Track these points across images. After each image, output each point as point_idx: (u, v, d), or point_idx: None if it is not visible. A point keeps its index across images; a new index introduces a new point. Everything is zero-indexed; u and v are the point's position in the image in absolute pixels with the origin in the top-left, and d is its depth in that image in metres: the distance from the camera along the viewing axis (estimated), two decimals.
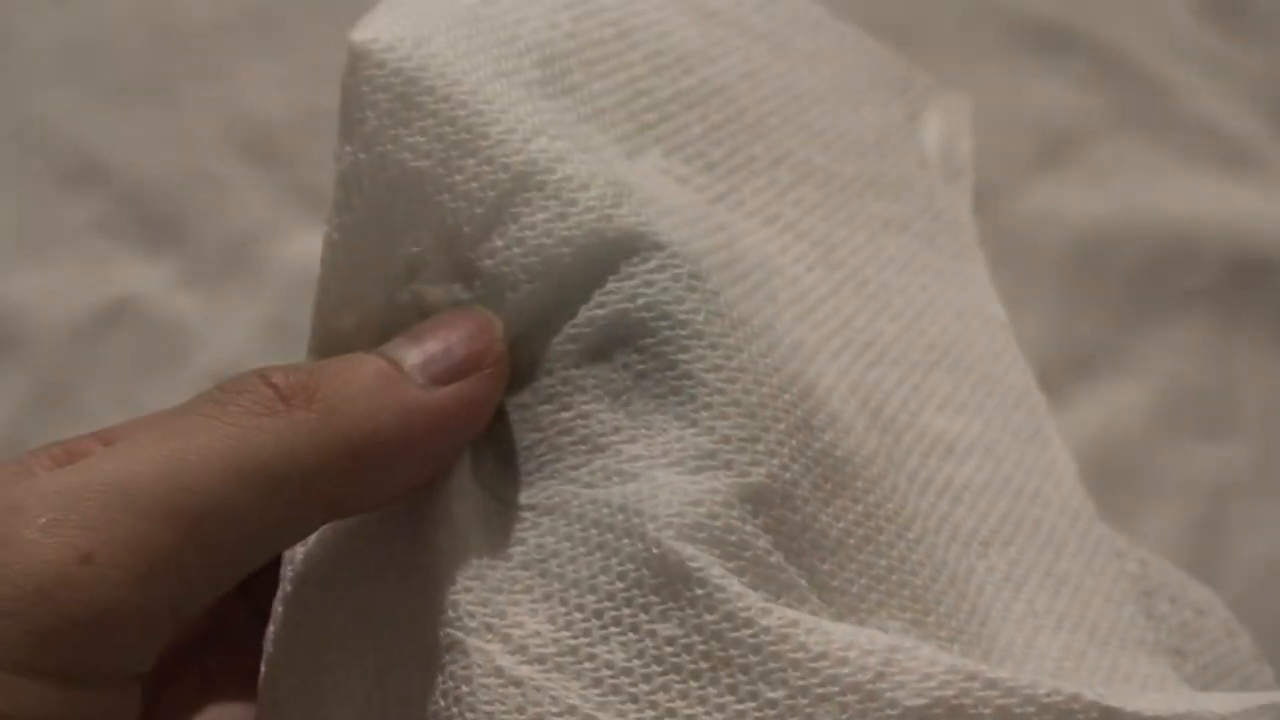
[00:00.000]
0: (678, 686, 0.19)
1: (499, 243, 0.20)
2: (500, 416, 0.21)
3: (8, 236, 0.34)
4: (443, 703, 0.19)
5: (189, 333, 0.33)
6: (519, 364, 0.21)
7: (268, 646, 0.21)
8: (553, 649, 0.19)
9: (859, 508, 0.20)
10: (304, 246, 0.34)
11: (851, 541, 0.20)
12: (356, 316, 0.21)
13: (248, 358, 0.34)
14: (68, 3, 0.37)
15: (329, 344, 0.21)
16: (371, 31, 0.20)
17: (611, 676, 0.19)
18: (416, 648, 0.20)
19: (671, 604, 0.19)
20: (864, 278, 0.23)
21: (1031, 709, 0.18)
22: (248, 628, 0.22)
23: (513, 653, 0.19)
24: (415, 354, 0.20)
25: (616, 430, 0.20)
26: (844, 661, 0.18)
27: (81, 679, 0.17)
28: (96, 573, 0.17)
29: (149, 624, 0.18)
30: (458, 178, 0.21)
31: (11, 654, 0.16)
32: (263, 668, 0.21)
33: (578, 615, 0.20)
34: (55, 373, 0.33)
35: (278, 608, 0.21)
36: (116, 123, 0.35)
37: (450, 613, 0.19)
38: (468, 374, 0.20)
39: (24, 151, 0.35)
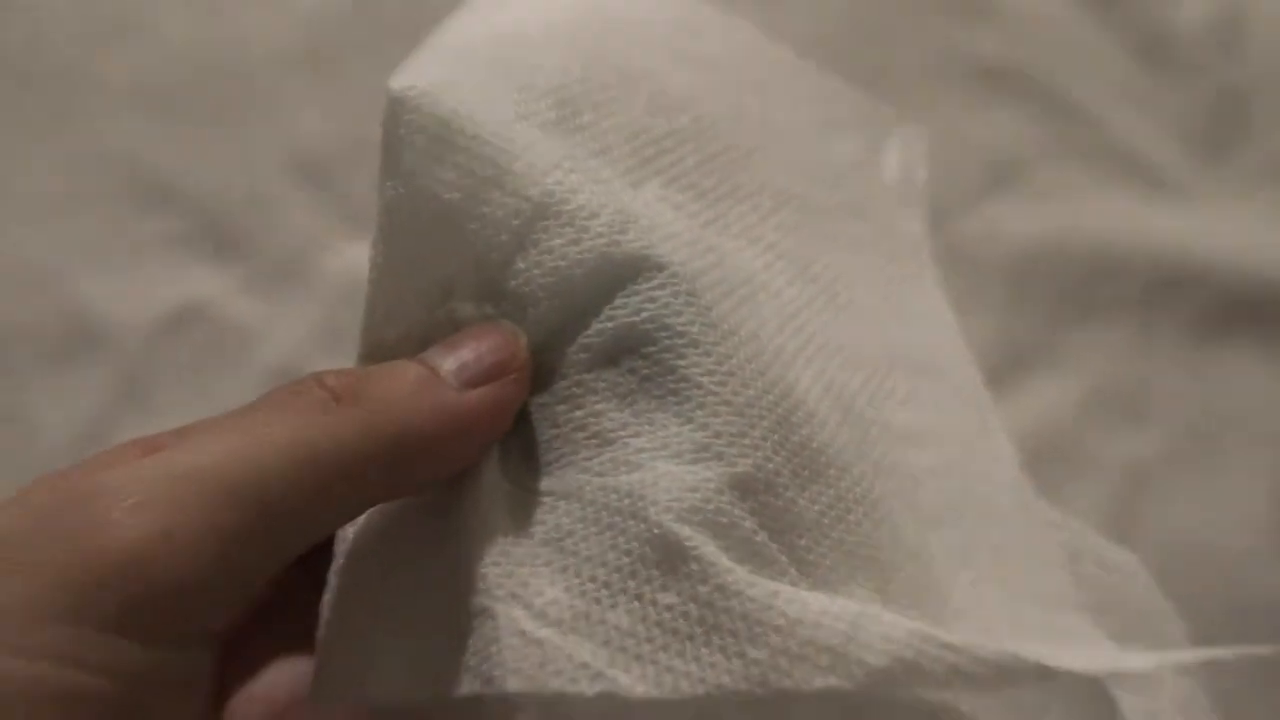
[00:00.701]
0: (675, 647, 0.20)
1: (521, 265, 0.22)
2: (523, 415, 0.23)
3: (92, 250, 0.35)
4: (474, 660, 0.21)
5: (250, 333, 0.35)
6: (539, 370, 0.23)
7: (324, 611, 0.23)
8: (568, 614, 0.21)
9: (831, 492, 0.22)
10: (350, 259, 0.35)
11: (825, 521, 0.21)
12: (399, 330, 0.23)
13: (301, 354, 0.35)
14: (146, 49, 0.36)
15: (375, 353, 0.23)
16: (408, 79, 0.22)
17: (619, 638, 0.21)
18: (452, 612, 0.21)
19: (670, 577, 0.21)
20: (835, 290, 0.25)
21: (978, 667, 0.20)
22: (308, 595, 0.23)
23: (534, 618, 0.21)
24: (450, 361, 0.22)
25: (624, 426, 0.22)
26: (818, 626, 0.20)
27: (163, 639, 0.19)
28: (176, 548, 0.19)
29: (220, 592, 0.20)
30: (485, 209, 0.22)
31: (106, 619, 0.18)
32: (319, 629, 0.22)
33: (590, 585, 0.21)
34: (133, 367, 0.34)
35: (332, 578, 0.23)
36: (187, 151, 0.35)
37: (480, 583, 0.21)
38: (495, 379, 0.22)
39: (107, 176, 0.35)
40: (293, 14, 0.36)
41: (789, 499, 0.21)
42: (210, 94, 0.36)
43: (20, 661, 0.18)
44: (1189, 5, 0.38)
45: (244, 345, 0.35)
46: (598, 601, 0.21)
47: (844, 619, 0.20)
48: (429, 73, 0.23)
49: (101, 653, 0.18)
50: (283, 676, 0.24)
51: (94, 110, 0.36)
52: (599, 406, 0.22)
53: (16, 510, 0.19)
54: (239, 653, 0.24)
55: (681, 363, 0.22)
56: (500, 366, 0.22)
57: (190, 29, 0.37)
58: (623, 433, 0.22)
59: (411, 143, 0.22)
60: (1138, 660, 0.21)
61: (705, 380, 0.22)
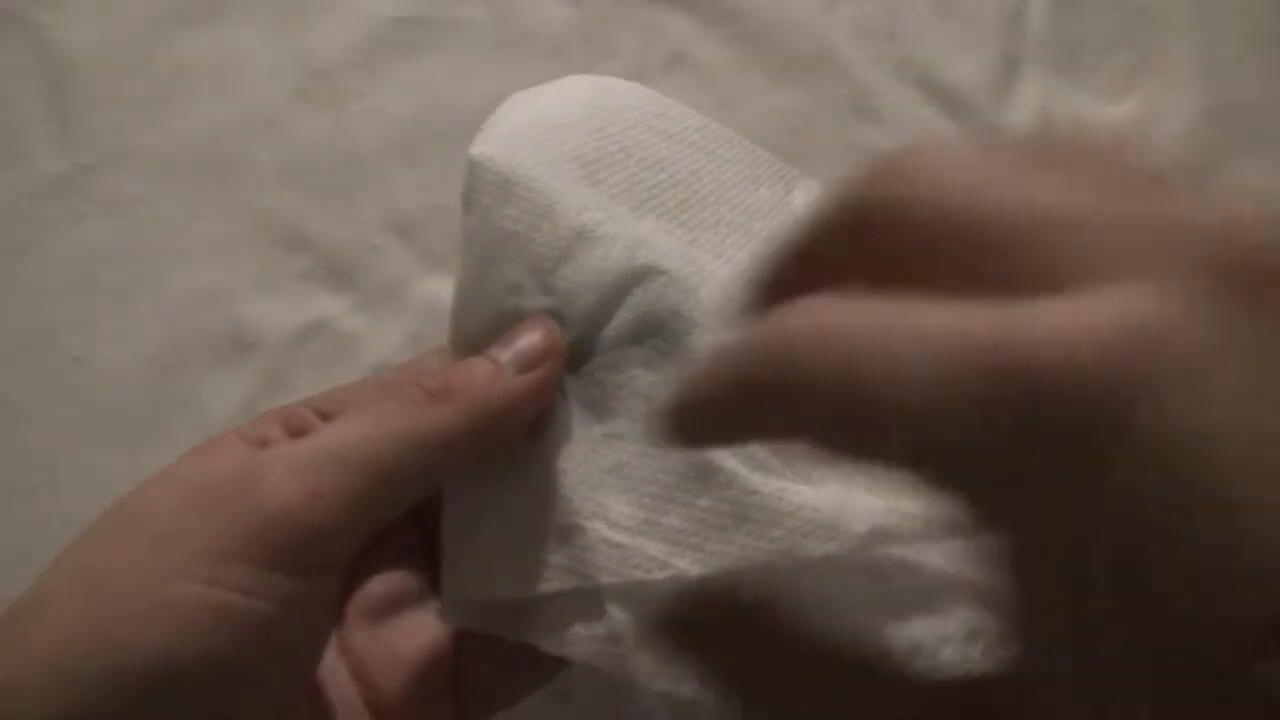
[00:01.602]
0: (717, 536, 0.23)
1: (566, 271, 0.25)
2: (583, 379, 0.25)
3: (250, 281, 0.38)
4: (571, 563, 0.23)
5: (359, 341, 0.38)
6: (584, 349, 0.25)
7: (444, 534, 0.25)
8: (635, 522, 0.23)
9: None
10: (430, 289, 0.38)
11: None
12: (477, 321, 0.26)
13: (394, 356, 0.38)
14: (286, 139, 0.40)
15: (461, 339, 0.26)
16: (480, 148, 0.26)
17: (675, 535, 0.23)
18: (547, 529, 0.24)
19: (705, 486, 0.23)
20: None
21: (934, 528, 0.23)
22: (413, 538, 0.28)
23: (610, 527, 0.23)
24: (508, 354, 0.24)
25: (652, 385, 0.25)
26: (816, 509, 0.23)
27: (304, 571, 0.22)
28: (319, 506, 0.21)
29: (348, 537, 0.22)
30: (538, 235, 0.25)
31: (262, 557, 0.21)
32: (442, 548, 0.25)
33: (648, 499, 0.24)
34: (276, 366, 0.38)
35: (448, 509, 0.25)
36: (317, 212, 0.39)
37: (567, 505, 0.24)
38: (541, 364, 0.24)
39: (259, 230, 0.39)
40: (390, 117, 0.39)
41: None
42: (334, 172, 0.39)
43: (213, 590, 0.21)
44: (1015, 109, 0.41)
45: (354, 349, 0.38)
46: (655, 510, 0.23)
47: (834, 503, 0.23)
48: (494, 144, 0.26)
49: (264, 583, 0.21)
50: (378, 586, 0.27)
51: (250, 183, 0.39)
52: (634, 372, 0.25)
53: (206, 471, 0.22)
54: (358, 577, 0.27)
55: (687, 339, 0.25)
56: (544, 353, 0.24)
57: (317, 124, 0.39)
58: (652, 390, 0.25)
59: (485, 190, 0.25)
60: None
61: (703, 350, 0.25)
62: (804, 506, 0.23)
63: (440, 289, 0.38)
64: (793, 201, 0.33)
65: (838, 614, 0.22)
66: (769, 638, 0.17)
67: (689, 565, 0.23)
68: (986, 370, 0.13)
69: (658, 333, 0.25)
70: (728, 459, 0.23)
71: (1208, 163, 0.41)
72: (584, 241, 0.25)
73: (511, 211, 0.25)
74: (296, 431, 0.25)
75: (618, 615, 0.23)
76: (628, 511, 0.23)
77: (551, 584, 0.23)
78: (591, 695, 0.32)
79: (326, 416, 0.25)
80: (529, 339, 0.24)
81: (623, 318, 0.25)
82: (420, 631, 0.26)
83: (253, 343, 0.38)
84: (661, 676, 0.22)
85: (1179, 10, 0.42)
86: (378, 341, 0.38)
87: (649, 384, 0.24)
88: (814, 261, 0.17)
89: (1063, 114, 0.41)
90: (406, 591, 0.27)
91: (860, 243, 0.16)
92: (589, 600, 0.23)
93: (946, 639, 0.22)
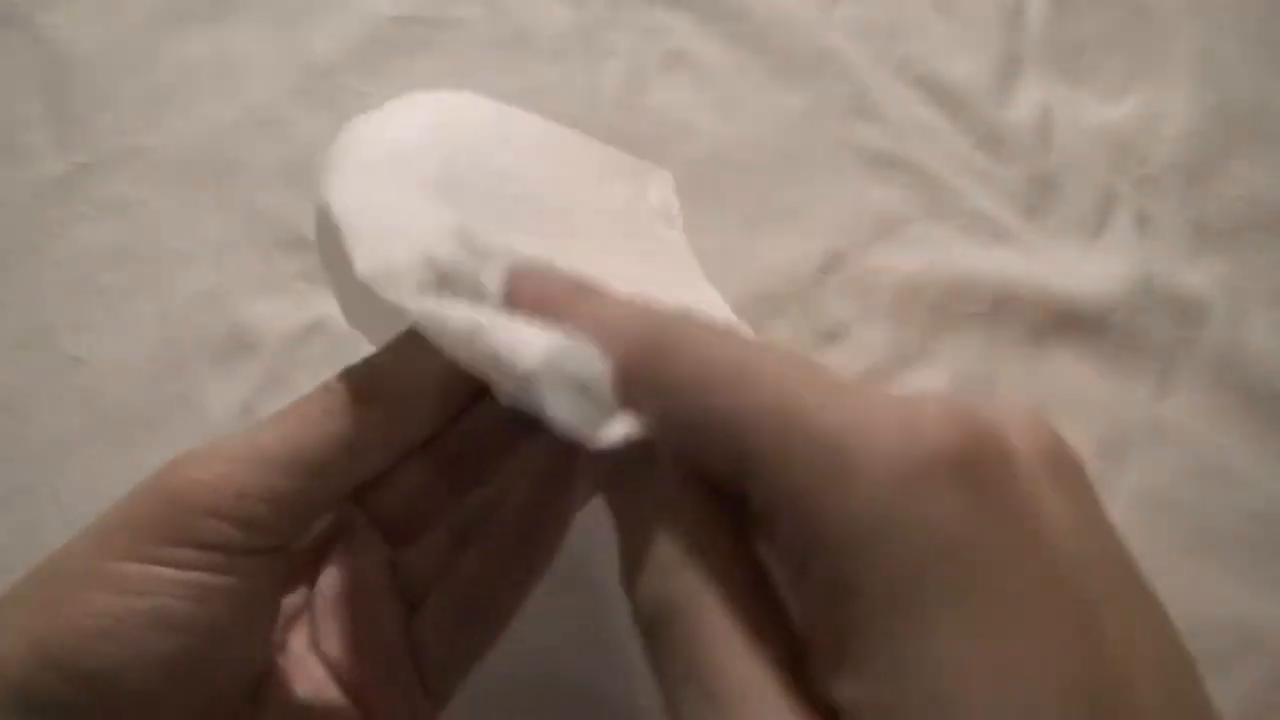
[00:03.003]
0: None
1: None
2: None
3: (250, 280, 0.38)
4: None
5: (359, 342, 0.34)
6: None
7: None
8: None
9: None
10: None
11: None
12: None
13: None
14: (284, 139, 0.40)
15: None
16: (327, 193, 0.25)
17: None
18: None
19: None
20: (628, 279, 0.25)
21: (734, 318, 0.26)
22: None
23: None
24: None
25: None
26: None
27: (240, 553, 0.23)
28: (245, 501, 0.23)
29: (275, 524, 0.23)
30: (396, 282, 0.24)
31: (201, 540, 0.22)
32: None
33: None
34: (276, 366, 0.38)
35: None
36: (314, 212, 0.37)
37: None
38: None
39: (258, 230, 0.39)
40: None
41: None
42: None
43: (152, 565, 0.22)
44: (1014, 109, 0.40)
45: (354, 350, 0.32)
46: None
47: (542, 340, 0.21)
48: (341, 184, 0.25)
49: (199, 560, 0.22)
50: (335, 576, 0.27)
51: (250, 183, 0.39)
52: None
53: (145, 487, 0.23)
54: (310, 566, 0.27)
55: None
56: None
57: (317, 124, 0.40)
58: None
59: (335, 238, 0.25)
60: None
61: None
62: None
63: None
64: (648, 196, 0.33)
65: None
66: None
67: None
68: None
69: None
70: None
71: (1207, 162, 0.40)
72: (466, 252, 0.25)
73: (364, 254, 0.24)
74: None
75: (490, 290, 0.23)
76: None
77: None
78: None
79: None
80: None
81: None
82: (373, 613, 0.27)
83: (253, 343, 0.38)
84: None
85: (1178, 10, 0.42)
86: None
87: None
88: None
89: (1062, 114, 0.41)
90: (361, 570, 0.27)
91: None
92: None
93: None
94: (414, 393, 0.24)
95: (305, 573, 0.27)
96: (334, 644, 0.26)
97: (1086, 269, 0.39)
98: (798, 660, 0.17)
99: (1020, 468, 0.17)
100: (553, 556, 0.28)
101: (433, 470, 0.27)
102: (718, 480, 0.19)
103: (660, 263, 0.32)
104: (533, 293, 0.22)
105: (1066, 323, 0.38)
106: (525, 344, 0.20)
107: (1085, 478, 0.18)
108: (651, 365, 0.19)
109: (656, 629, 0.18)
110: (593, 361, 0.20)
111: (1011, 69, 0.42)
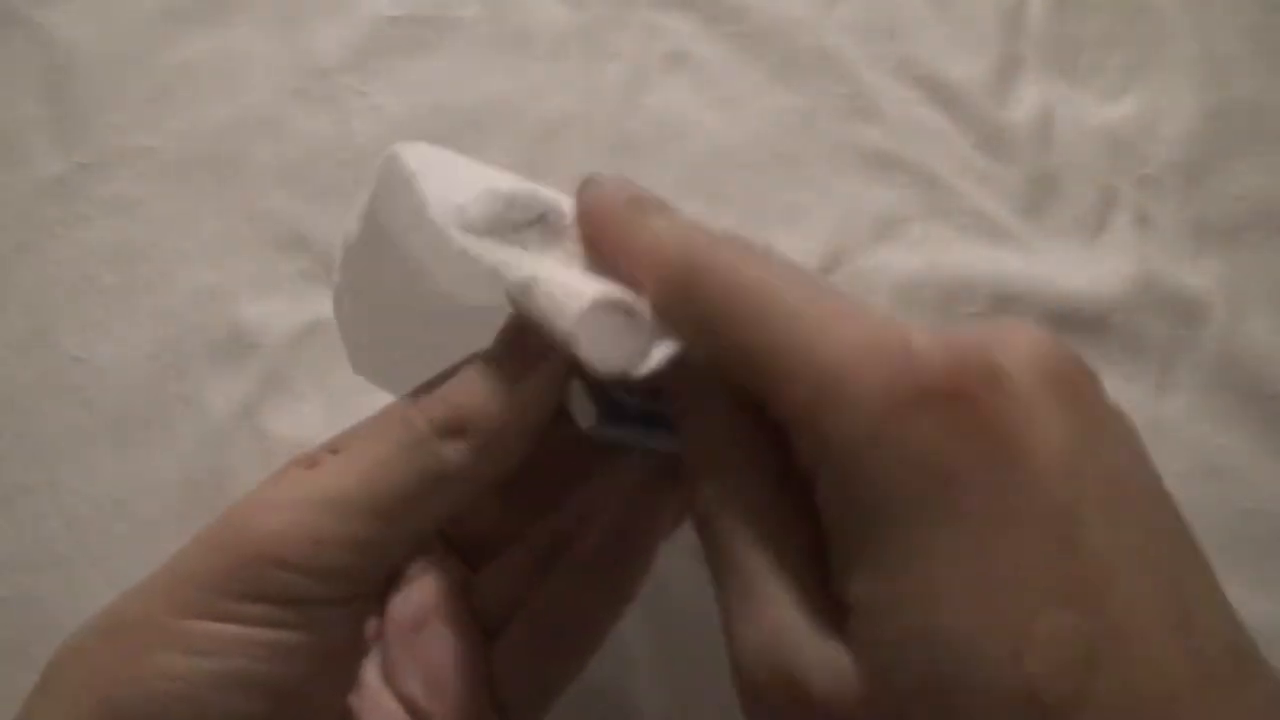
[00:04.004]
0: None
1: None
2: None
3: (250, 281, 0.38)
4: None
5: None
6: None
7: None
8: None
9: None
10: None
11: None
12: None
13: None
14: (283, 139, 0.40)
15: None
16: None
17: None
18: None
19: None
20: None
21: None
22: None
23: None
24: (504, 349, 0.24)
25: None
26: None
27: (311, 605, 0.22)
28: (320, 550, 0.21)
29: (355, 575, 0.22)
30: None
31: (264, 596, 0.21)
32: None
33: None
34: (276, 366, 0.38)
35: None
36: (314, 212, 0.39)
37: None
38: (540, 358, 0.23)
39: (259, 230, 0.39)
40: (390, 117, 0.40)
41: None
42: (333, 172, 0.39)
43: (221, 623, 0.21)
44: (1014, 109, 0.41)
45: None
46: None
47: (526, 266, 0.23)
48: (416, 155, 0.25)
49: (271, 618, 0.21)
50: (411, 596, 0.26)
51: (250, 183, 0.39)
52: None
53: (217, 519, 0.22)
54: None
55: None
56: (540, 347, 0.23)
57: (317, 123, 0.40)
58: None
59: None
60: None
61: None
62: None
63: None
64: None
65: None
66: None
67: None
68: None
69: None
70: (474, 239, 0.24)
71: (1207, 162, 0.40)
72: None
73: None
74: (308, 466, 0.25)
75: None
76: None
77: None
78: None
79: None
80: (522, 332, 0.24)
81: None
82: (452, 641, 0.26)
83: (253, 343, 0.38)
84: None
85: (1178, 10, 0.42)
86: None
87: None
88: None
89: (1062, 114, 0.41)
90: (437, 594, 0.27)
91: None
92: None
93: None
94: (501, 426, 0.23)
95: (378, 597, 0.26)
96: (408, 677, 0.25)
97: (1086, 269, 0.39)
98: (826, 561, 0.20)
99: (1010, 388, 0.18)
100: (638, 586, 0.27)
101: (514, 489, 0.26)
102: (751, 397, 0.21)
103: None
104: (596, 204, 0.23)
105: (1066, 322, 0.38)
106: (575, 296, 0.21)
107: (1089, 389, 0.19)
108: (683, 294, 0.21)
109: (703, 532, 0.21)
110: (633, 307, 0.21)
111: (1011, 69, 0.42)
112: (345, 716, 0.25)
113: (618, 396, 0.24)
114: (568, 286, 0.22)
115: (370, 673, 0.26)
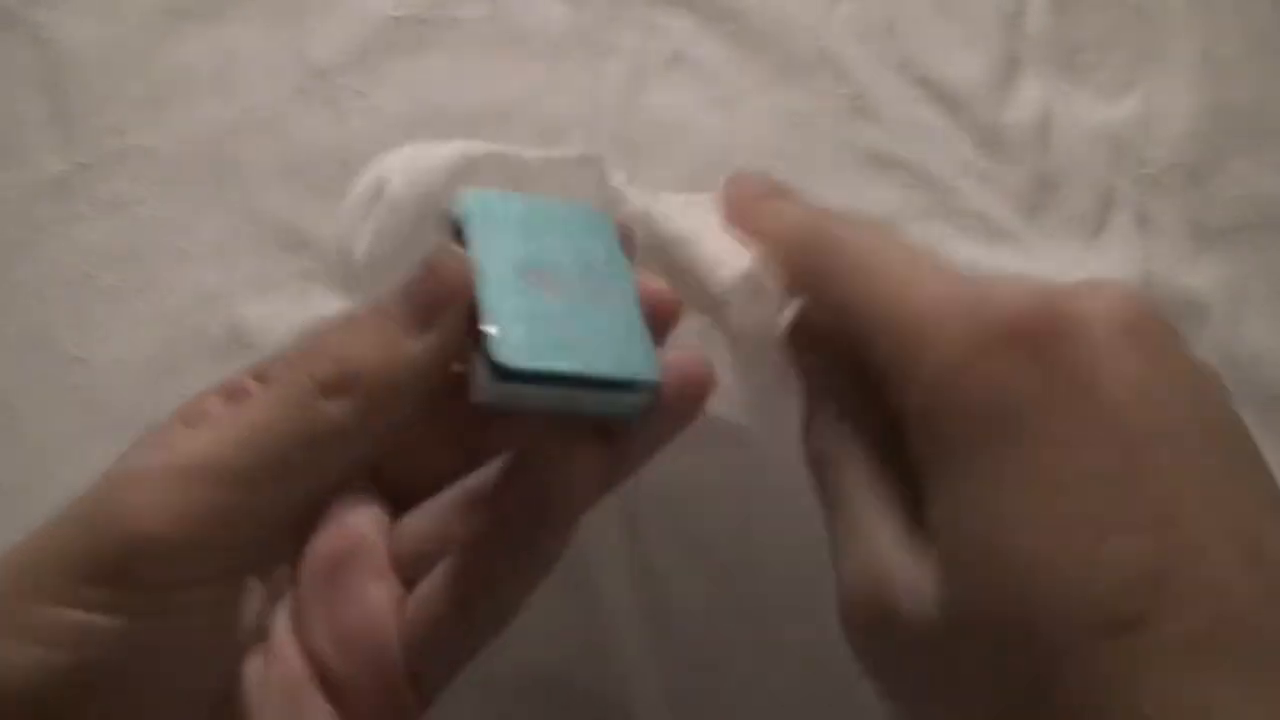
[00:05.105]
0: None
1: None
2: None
3: (250, 281, 0.38)
4: None
5: None
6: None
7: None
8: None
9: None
10: None
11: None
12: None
13: None
14: (281, 140, 0.40)
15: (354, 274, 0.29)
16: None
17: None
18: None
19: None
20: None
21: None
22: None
23: None
24: (401, 306, 0.23)
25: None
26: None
27: (181, 586, 0.21)
28: (188, 526, 0.20)
29: (233, 546, 0.21)
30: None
31: (129, 579, 0.20)
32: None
33: None
34: None
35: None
36: (314, 212, 0.39)
37: None
38: (440, 315, 0.23)
39: (260, 229, 0.39)
40: (389, 117, 0.40)
41: None
42: (333, 172, 0.39)
43: (77, 611, 0.20)
44: (1014, 109, 0.41)
45: None
46: None
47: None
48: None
49: (134, 601, 0.20)
50: (327, 542, 0.25)
51: (249, 183, 0.39)
52: None
53: (78, 497, 0.22)
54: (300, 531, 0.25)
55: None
56: (443, 299, 0.22)
57: (316, 123, 0.40)
58: None
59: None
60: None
61: None
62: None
63: None
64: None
65: None
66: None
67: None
68: None
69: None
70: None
71: (1207, 162, 0.41)
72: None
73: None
74: (234, 400, 0.23)
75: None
76: None
77: None
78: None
79: (262, 379, 0.24)
80: (423, 285, 0.23)
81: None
82: (366, 593, 0.24)
83: (252, 343, 0.38)
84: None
85: (1178, 10, 0.42)
86: None
87: None
88: None
89: (1062, 114, 0.41)
90: (355, 539, 0.25)
91: None
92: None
93: None
94: (389, 382, 0.22)
95: (296, 534, 0.25)
96: (317, 630, 0.24)
97: (1086, 269, 0.39)
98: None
99: (1088, 333, 0.20)
100: (555, 558, 0.25)
101: (443, 427, 0.25)
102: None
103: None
104: (739, 190, 0.28)
105: None
106: (723, 264, 0.26)
107: (1169, 340, 0.21)
108: (803, 263, 0.25)
109: (817, 471, 0.25)
110: (768, 278, 0.26)
111: (1011, 69, 0.42)
112: (243, 682, 0.24)
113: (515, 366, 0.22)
114: (719, 254, 0.26)
115: (280, 622, 0.24)
